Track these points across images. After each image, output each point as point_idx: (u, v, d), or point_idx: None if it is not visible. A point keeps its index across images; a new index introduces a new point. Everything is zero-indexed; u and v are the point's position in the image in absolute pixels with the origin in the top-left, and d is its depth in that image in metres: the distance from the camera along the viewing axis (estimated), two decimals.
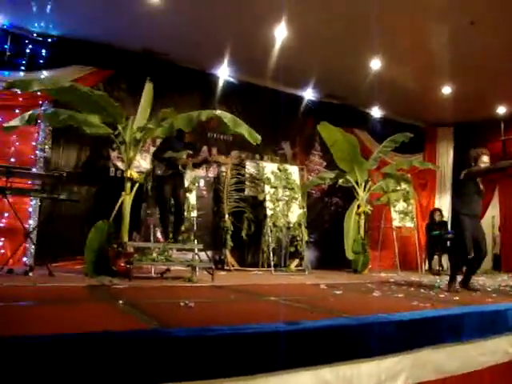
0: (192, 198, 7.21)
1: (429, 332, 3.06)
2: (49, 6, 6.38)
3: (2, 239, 6.55)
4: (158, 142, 6.89)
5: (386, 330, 2.86)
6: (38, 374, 1.79)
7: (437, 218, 9.66)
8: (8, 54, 6.78)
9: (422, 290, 5.17)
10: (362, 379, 2.72)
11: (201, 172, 8.20)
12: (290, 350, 2.43)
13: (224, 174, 8.27)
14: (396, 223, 9.46)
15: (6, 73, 6.75)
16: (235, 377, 2.24)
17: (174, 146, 6.08)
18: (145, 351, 2.04)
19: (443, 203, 11.20)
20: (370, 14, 6.36)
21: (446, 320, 3.19)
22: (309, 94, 9.60)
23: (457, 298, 4.45)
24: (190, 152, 6.29)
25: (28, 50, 6.97)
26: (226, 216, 8.02)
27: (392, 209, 9.44)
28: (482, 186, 5.32)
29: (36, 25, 6.92)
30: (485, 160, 5.23)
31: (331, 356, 2.59)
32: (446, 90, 9.05)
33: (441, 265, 9.56)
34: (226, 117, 5.82)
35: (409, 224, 9.60)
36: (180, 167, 6.05)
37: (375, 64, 7.96)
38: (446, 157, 11.57)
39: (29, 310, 3.04)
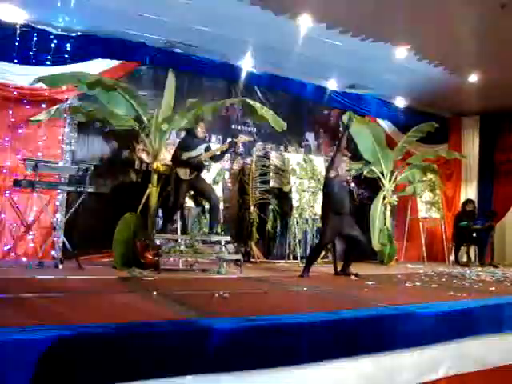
0: (218, 190, 7.17)
1: (469, 322, 3.00)
2: (73, 1, 6.38)
3: (31, 233, 6.61)
4: (183, 134, 6.86)
5: (426, 320, 2.81)
6: (83, 362, 1.79)
7: (468, 208, 9.46)
8: (34, 49, 6.79)
9: (455, 281, 5.09)
10: (403, 370, 2.67)
11: (226, 164, 8.18)
12: (332, 339, 2.40)
13: (249, 165, 8.24)
14: (422, 214, 9.33)
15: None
16: (277, 367, 2.22)
17: (190, 144, 6.06)
18: (188, 341, 2.02)
19: (469, 194, 11.01)
20: (396, 0, 6.23)
21: (486, 310, 3.12)
22: (332, 85, 9.49)
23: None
24: (208, 144, 6.27)
25: (53, 45, 6.97)
26: (252, 208, 7.98)
27: (418, 199, 9.31)
28: (352, 185, 5.80)
29: (60, 20, 6.91)
30: (342, 165, 5.67)
31: (372, 346, 2.55)
32: (473, 78, 8.84)
33: (468, 256, 9.40)
34: (253, 102, 5.81)
35: (435, 215, 9.45)
36: (204, 162, 6.04)
37: (400, 52, 7.80)
38: (471, 147, 11.32)
39: (65, 300, 3.05)
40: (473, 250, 9.63)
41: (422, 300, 3.32)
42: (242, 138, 6.45)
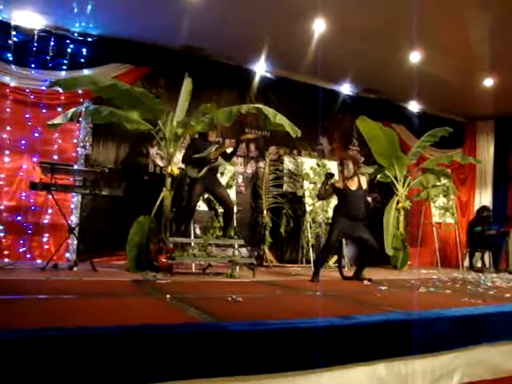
0: (231, 194, 7.19)
1: (484, 329, 2.97)
2: (89, 6, 6.46)
3: (47, 235, 6.68)
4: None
5: (439, 325, 2.79)
6: (95, 364, 1.81)
7: (483, 214, 9.35)
8: (51, 54, 6.89)
9: (469, 287, 5.05)
10: (417, 376, 2.66)
11: (239, 168, 8.20)
12: (345, 344, 2.39)
13: (262, 169, 8.26)
14: (436, 219, 9.26)
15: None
16: (290, 371, 2.22)
17: (200, 146, 6.04)
18: (201, 345, 2.03)
19: (484, 199, 10.92)
20: (410, 5, 6.21)
21: (502, 317, 3.09)
22: (346, 89, 9.49)
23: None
24: (218, 145, 6.26)
25: (69, 50, 7.08)
26: (265, 212, 7.99)
27: (432, 204, 9.24)
28: (369, 199, 5.72)
29: (77, 25, 7.02)
30: (350, 167, 5.62)
31: (386, 351, 2.54)
32: (488, 82, 8.78)
33: (483, 262, 9.30)
34: (267, 110, 5.80)
35: (449, 220, 9.37)
36: (213, 160, 6.02)
37: (414, 57, 7.76)
38: (486, 151, 11.26)
39: (80, 302, 3.08)
40: (487, 256, 9.53)
41: (436, 306, 3.30)
42: (250, 135, 6.46)
